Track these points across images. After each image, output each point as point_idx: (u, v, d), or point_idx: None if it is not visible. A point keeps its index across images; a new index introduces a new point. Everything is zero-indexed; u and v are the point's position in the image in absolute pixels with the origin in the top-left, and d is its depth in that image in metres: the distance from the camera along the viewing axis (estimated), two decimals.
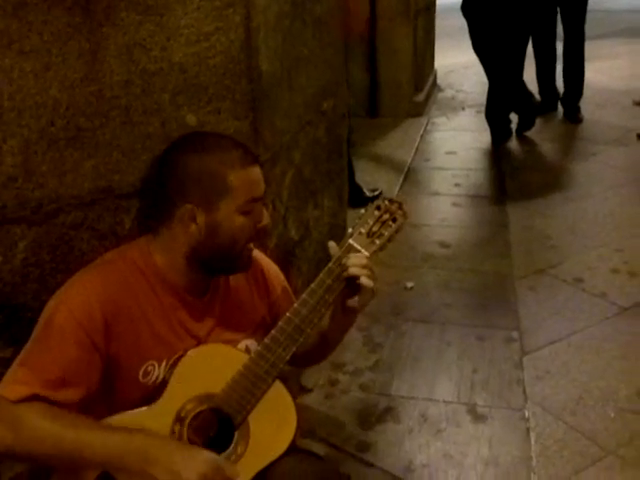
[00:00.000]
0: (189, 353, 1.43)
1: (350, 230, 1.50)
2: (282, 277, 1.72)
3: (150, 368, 1.42)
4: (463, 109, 6.43)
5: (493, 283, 3.33)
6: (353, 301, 1.48)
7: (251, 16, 1.74)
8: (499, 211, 4.18)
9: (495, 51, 5.05)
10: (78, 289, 1.37)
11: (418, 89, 6.20)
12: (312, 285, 1.46)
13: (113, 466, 1.29)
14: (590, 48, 5.85)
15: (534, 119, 5.45)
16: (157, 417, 1.38)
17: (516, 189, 4.51)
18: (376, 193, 4.00)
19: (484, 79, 5.43)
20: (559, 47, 5.77)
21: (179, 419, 1.39)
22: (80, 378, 1.33)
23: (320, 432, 2.32)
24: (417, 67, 6.10)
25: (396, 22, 5.79)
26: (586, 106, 5.88)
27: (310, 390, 2.53)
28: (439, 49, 7.35)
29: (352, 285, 1.46)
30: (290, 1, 2.07)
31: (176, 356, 1.44)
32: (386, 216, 1.51)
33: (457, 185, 4.60)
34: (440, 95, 7.01)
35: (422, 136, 5.61)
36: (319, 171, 2.55)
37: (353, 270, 1.44)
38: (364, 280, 1.43)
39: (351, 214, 3.10)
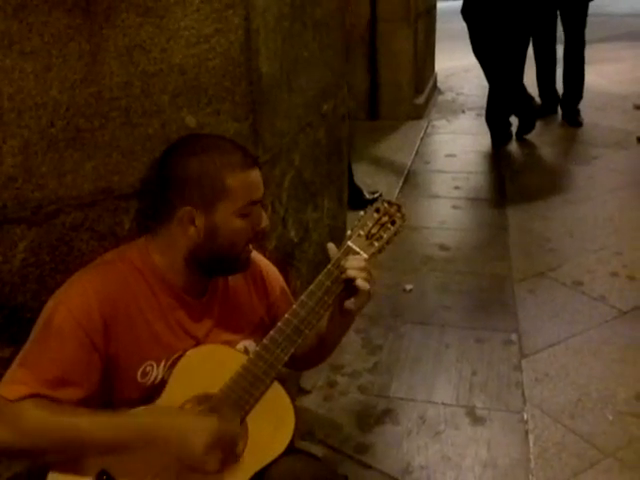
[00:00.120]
0: (188, 353, 1.44)
1: (349, 232, 1.51)
2: (281, 278, 1.73)
3: (149, 368, 1.42)
4: (463, 112, 6.45)
5: (492, 286, 3.34)
6: (350, 303, 1.48)
7: (251, 18, 1.74)
8: (499, 214, 4.19)
9: (495, 54, 5.06)
10: (77, 289, 1.37)
11: (418, 92, 6.22)
12: (311, 287, 1.46)
13: (119, 446, 1.32)
14: (592, 52, 5.87)
15: (534, 122, 5.46)
16: None
17: (516, 192, 4.52)
18: (376, 195, 4.00)
19: (484, 82, 5.44)
20: (559, 50, 5.78)
21: None
22: (79, 378, 1.33)
23: (318, 434, 2.32)
24: (417, 70, 6.11)
25: (397, 25, 5.81)
26: (587, 109, 5.89)
27: (309, 392, 2.54)
28: (439, 52, 7.37)
29: (350, 287, 1.46)
30: (290, 3, 2.07)
31: (175, 356, 1.44)
32: (385, 218, 1.52)
33: (457, 188, 4.61)
34: (440, 98, 7.02)
35: (422, 139, 5.62)
36: (319, 173, 2.55)
37: (351, 272, 1.44)
38: (360, 282, 1.44)
39: (351, 216, 3.10)
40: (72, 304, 1.34)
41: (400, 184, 4.62)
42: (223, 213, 1.41)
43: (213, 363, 1.45)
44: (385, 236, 1.51)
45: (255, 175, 1.45)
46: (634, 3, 12.41)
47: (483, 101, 5.55)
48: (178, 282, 1.46)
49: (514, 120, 5.48)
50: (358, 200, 3.76)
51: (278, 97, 2.01)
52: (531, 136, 5.48)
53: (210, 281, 1.52)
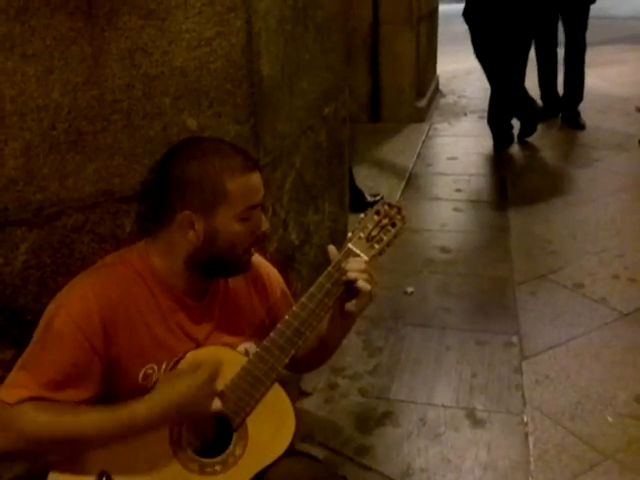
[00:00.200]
0: (188, 355, 1.44)
1: (350, 234, 1.51)
2: (281, 280, 1.73)
3: (150, 371, 1.43)
4: (465, 115, 6.44)
5: (493, 288, 3.33)
6: (351, 305, 1.48)
7: (252, 21, 1.75)
8: (500, 216, 4.19)
9: (497, 57, 5.07)
10: (77, 293, 1.38)
11: (420, 94, 6.22)
12: (311, 289, 1.47)
13: (120, 436, 1.33)
14: (594, 54, 5.87)
15: (536, 125, 5.46)
16: None
17: (517, 194, 4.52)
18: (377, 198, 4.00)
19: (486, 85, 5.44)
20: (560, 53, 5.78)
21: None
22: (79, 381, 1.34)
23: (319, 436, 2.32)
24: (419, 73, 6.11)
25: (399, 28, 5.82)
26: (588, 112, 5.89)
27: (309, 394, 2.54)
28: (441, 55, 7.37)
29: (351, 289, 1.47)
30: (292, 6, 2.08)
31: (176, 359, 1.44)
32: (385, 221, 1.52)
33: (458, 190, 4.61)
34: (442, 101, 7.02)
35: (424, 141, 5.62)
36: (320, 175, 2.56)
37: (351, 274, 1.45)
38: (361, 284, 1.44)
39: (352, 219, 3.10)
40: (72, 308, 1.34)
41: (402, 187, 4.62)
42: (223, 217, 1.41)
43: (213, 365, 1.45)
44: (385, 238, 1.52)
45: (255, 179, 1.45)
46: (637, 6, 12.41)
47: (485, 104, 5.55)
48: (178, 285, 1.47)
49: (516, 123, 5.48)
50: (359, 203, 3.75)
51: (279, 100, 2.01)
52: (533, 139, 5.48)
53: (210, 283, 1.53)
